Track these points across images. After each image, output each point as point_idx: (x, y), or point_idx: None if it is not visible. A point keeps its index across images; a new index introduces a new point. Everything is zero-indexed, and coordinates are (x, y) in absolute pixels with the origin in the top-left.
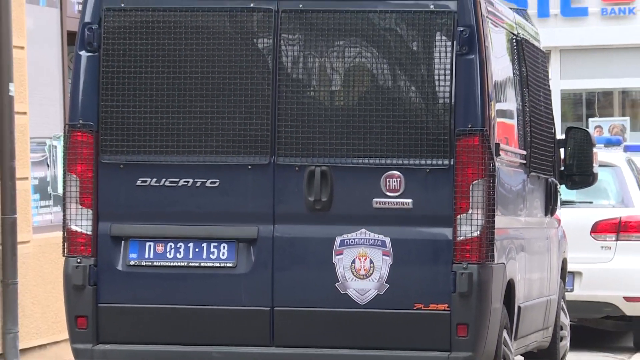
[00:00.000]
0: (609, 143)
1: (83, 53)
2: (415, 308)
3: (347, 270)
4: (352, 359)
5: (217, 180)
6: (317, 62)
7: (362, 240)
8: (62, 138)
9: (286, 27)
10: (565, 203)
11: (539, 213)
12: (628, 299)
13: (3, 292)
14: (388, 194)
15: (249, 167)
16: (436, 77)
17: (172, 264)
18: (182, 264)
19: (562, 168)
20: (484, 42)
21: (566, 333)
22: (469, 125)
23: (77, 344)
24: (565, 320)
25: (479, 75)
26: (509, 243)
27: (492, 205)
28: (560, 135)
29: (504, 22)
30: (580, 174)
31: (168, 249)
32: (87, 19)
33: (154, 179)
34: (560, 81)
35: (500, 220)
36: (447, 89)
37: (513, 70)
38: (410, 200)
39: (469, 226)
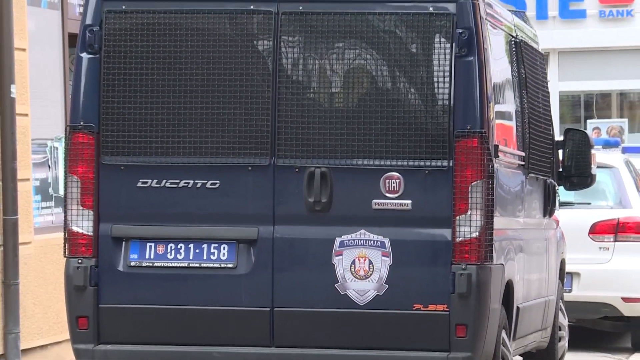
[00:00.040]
0: (607, 144)
1: (84, 55)
2: (414, 308)
3: (347, 271)
4: (351, 359)
5: (218, 182)
6: (316, 64)
7: (362, 241)
8: (63, 139)
9: (286, 29)
10: (563, 204)
11: (537, 214)
12: (626, 300)
13: (4, 293)
14: (387, 195)
15: (249, 168)
16: (435, 79)
17: (172, 264)
18: (183, 264)
19: (561, 169)
20: (483, 44)
21: (564, 333)
22: (468, 127)
23: (78, 344)
24: (564, 320)
25: (477, 77)
26: (507, 244)
27: (491, 207)
28: (558, 137)
29: (502, 24)
30: (579, 175)
31: (169, 250)
32: (88, 21)
33: (155, 180)
34: (559, 83)
35: (499, 221)
36: (446, 90)
37: (512, 72)
38: (409, 202)
39: (468, 227)
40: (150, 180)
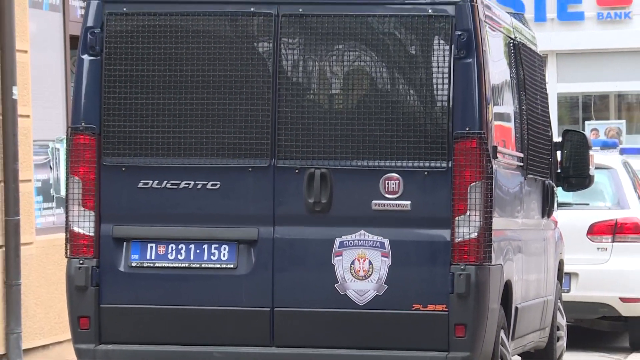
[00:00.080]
0: (605, 146)
1: (85, 57)
2: (413, 308)
3: (347, 271)
4: (351, 359)
5: (218, 183)
6: (316, 66)
7: (361, 241)
8: (64, 141)
9: (286, 31)
10: (561, 205)
11: (536, 215)
12: (624, 300)
13: (6, 293)
14: (387, 196)
15: (250, 169)
16: (434, 81)
17: (173, 265)
18: (184, 265)
19: (559, 170)
20: (482, 46)
21: (563, 333)
22: (467, 128)
23: (79, 344)
24: (562, 320)
25: (476, 79)
26: (506, 244)
27: (490, 207)
28: (557, 138)
29: (501, 26)
30: (577, 176)
31: (169, 250)
32: (90, 23)
33: (156, 181)
34: (557, 84)
35: (497, 222)
36: (445, 92)
37: (510, 74)
38: (408, 202)
39: (467, 228)
40: (151, 181)
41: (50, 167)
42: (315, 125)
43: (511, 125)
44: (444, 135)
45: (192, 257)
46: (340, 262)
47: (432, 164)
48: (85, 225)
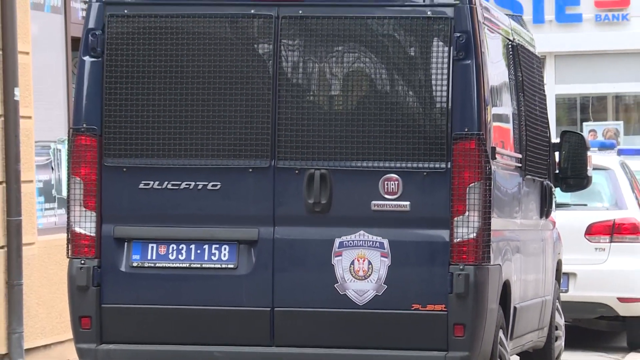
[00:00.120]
0: (603, 147)
1: (87, 58)
2: (412, 308)
3: (346, 272)
4: (351, 358)
5: (219, 183)
6: (316, 67)
7: (361, 242)
8: (66, 142)
9: (286, 32)
10: (560, 205)
11: (534, 215)
12: (622, 300)
13: (8, 293)
14: (386, 196)
15: (250, 170)
16: (433, 82)
17: (174, 265)
18: (184, 265)
19: (557, 171)
20: (481, 47)
21: (561, 333)
22: (466, 129)
23: (81, 343)
24: (560, 320)
25: (475, 80)
26: (504, 245)
27: (488, 208)
28: (555, 139)
29: (500, 28)
30: (575, 177)
31: (170, 251)
32: (91, 25)
33: (157, 182)
34: (555, 86)
35: (496, 223)
36: (444, 93)
37: (509, 75)
38: (408, 203)
39: (466, 228)
40: (152, 182)
41: (52, 168)
42: (315, 126)
43: (510, 126)
44: (443, 136)
45: (192, 258)
46: (340, 262)
47: (431, 165)
48: (86, 225)
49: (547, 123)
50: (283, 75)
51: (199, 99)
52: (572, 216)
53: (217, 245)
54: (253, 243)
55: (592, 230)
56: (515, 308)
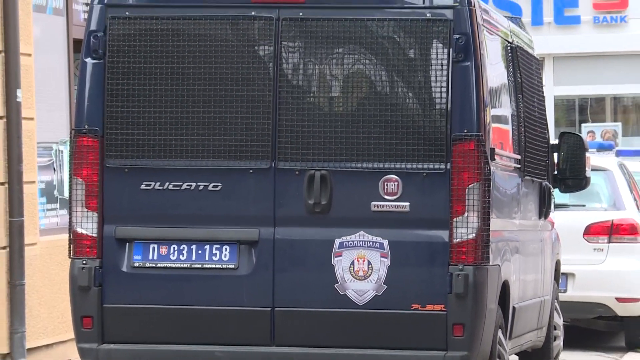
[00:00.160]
0: (602, 148)
1: (89, 60)
2: (412, 308)
3: (346, 272)
4: (350, 358)
5: (220, 184)
6: (316, 69)
7: (361, 242)
8: (68, 143)
9: (287, 34)
10: (558, 206)
11: (533, 216)
12: (620, 300)
13: (10, 293)
14: (386, 197)
15: (251, 171)
16: (433, 84)
17: (175, 265)
18: (185, 265)
19: (556, 172)
20: (480, 49)
21: (560, 333)
22: (465, 131)
23: (82, 343)
24: (559, 320)
25: (474, 82)
26: (503, 245)
27: (488, 209)
28: (553, 140)
29: (499, 30)
30: (574, 178)
31: (171, 251)
32: (93, 27)
33: (158, 183)
34: (554, 87)
35: (495, 223)
36: (444, 95)
37: (508, 77)
38: (407, 204)
39: (465, 229)
40: (153, 183)
41: (54, 169)
42: (316, 128)
43: (509, 127)
44: (443, 138)
45: (193, 258)
46: (340, 262)
47: (431, 166)
48: (88, 226)
49: (546, 124)
50: (283, 77)
51: (199, 100)
52: (570, 217)
53: (218, 246)
54: (254, 243)
55: (591, 231)
56: (514, 308)
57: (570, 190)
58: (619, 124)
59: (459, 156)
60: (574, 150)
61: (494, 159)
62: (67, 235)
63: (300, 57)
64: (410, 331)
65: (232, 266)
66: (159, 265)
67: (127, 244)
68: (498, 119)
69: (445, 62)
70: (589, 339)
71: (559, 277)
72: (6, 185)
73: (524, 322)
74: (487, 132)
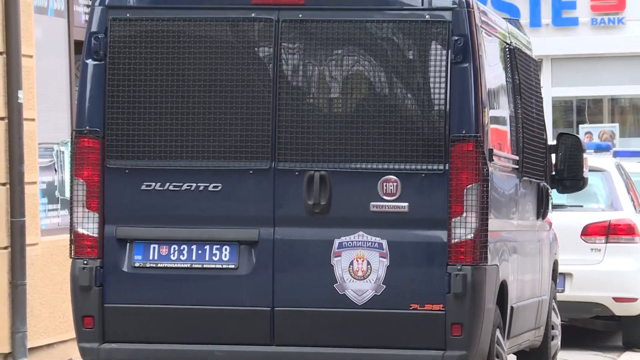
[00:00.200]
0: (599, 149)
1: (90, 61)
2: (411, 308)
3: (345, 272)
4: (350, 357)
5: (220, 185)
6: (316, 70)
7: (360, 242)
8: (69, 144)
9: (286, 36)
10: (556, 207)
11: (531, 216)
12: (617, 300)
13: (12, 293)
14: (385, 197)
15: (251, 171)
16: (431, 85)
17: (175, 265)
18: (186, 265)
19: (554, 173)
20: (478, 51)
21: (557, 332)
22: (464, 132)
23: (83, 343)
24: (557, 319)
25: (473, 83)
26: (502, 245)
27: (486, 209)
28: (551, 141)
29: (497, 31)
30: (571, 178)
31: (172, 251)
32: (94, 28)
33: (158, 184)
34: (552, 89)
35: (493, 223)
36: (442, 96)
37: (506, 78)
38: (406, 204)
39: (463, 229)
40: (153, 184)
41: (55, 170)
42: (315, 129)
43: (507, 128)
44: (441, 138)
45: (194, 258)
46: (339, 262)
47: (430, 167)
48: (89, 226)
49: (544, 125)
50: (283, 78)
51: (200, 101)
52: (568, 217)
53: (218, 246)
54: (253, 244)
55: (588, 231)
56: (512, 308)
57: (567, 190)
58: (617, 125)
59: (458, 157)
60: (572, 151)
61: (492, 160)
62: (68, 235)
63: (300, 58)
64: (409, 331)
65: (232, 266)
66: (159, 265)
67: (128, 244)
68: (496, 119)
69: (443, 63)
70: (587, 339)
71: (557, 277)
72: (8, 186)
73: (522, 321)
74: (486, 133)
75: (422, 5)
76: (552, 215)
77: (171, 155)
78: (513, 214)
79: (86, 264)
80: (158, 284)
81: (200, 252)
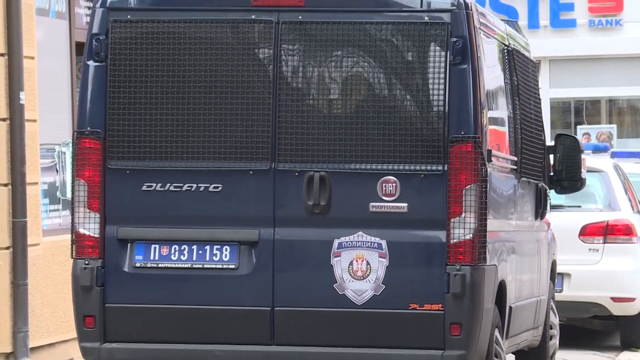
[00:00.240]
0: (597, 149)
1: (91, 63)
2: (410, 308)
3: (345, 272)
4: (349, 357)
5: (220, 185)
6: (316, 72)
7: (359, 242)
8: (70, 144)
9: (286, 37)
10: (554, 207)
11: (529, 217)
12: (615, 299)
13: (14, 293)
14: (384, 198)
15: (251, 172)
16: (430, 86)
17: (176, 265)
18: (186, 265)
19: (552, 173)
20: (477, 52)
21: (556, 332)
22: (462, 133)
23: (85, 342)
24: (555, 319)
25: (471, 84)
26: (500, 245)
27: (485, 209)
28: (549, 142)
29: (495, 33)
30: (569, 179)
31: (172, 251)
32: (95, 30)
33: (159, 184)
34: (550, 90)
35: (492, 224)
36: (441, 97)
37: (504, 80)
38: (405, 205)
39: (462, 229)
40: (154, 184)
41: (57, 170)
42: (315, 130)
43: (505, 129)
44: (440, 139)
45: (194, 258)
46: (339, 262)
47: (429, 167)
48: (90, 226)
49: (542, 126)
50: (283, 80)
51: (200, 102)
52: (566, 217)
53: (219, 246)
54: (254, 244)
55: (586, 232)
56: (510, 307)
57: (566, 191)
58: (614, 126)
59: (457, 158)
60: (570, 151)
61: (491, 161)
62: (70, 235)
63: (299, 59)
64: (408, 330)
65: (233, 266)
66: (160, 265)
67: (129, 244)
68: (495, 120)
69: (442, 64)
70: (585, 338)
71: (555, 277)
72: (9, 187)
73: (521, 321)
74: (484, 133)
75: (421, 7)
76: (550, 215)
77: (172, 156)
78: (511, 215)
79: (87, 264)
80: (159, 284)
81: (200, 252)
